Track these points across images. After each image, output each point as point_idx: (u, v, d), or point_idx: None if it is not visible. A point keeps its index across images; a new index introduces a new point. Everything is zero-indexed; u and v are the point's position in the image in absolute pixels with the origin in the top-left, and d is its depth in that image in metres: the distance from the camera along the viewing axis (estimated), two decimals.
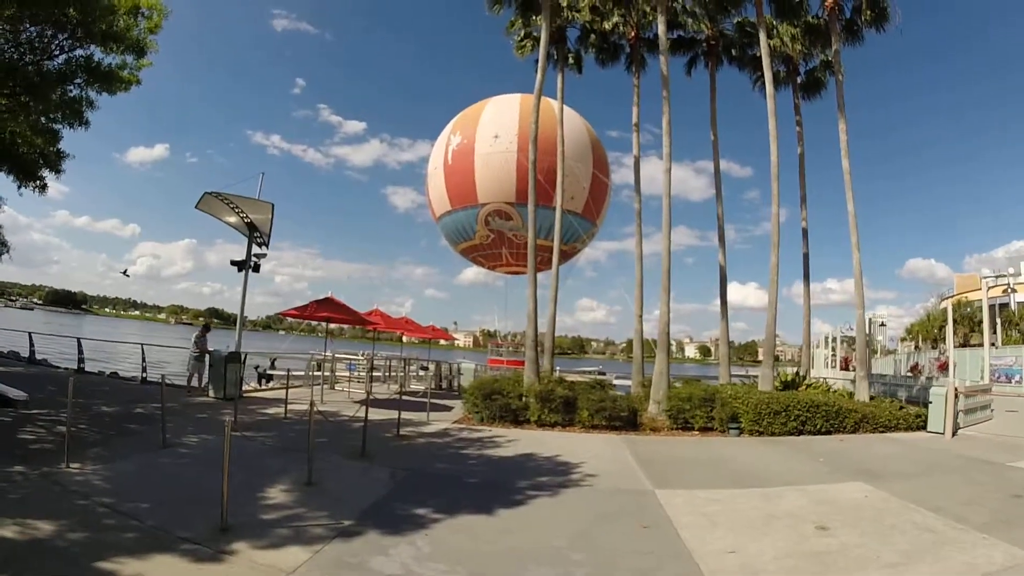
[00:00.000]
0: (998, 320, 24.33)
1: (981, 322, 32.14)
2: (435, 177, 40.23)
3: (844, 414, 14.39)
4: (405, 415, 12.00)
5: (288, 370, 18.02)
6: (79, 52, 13.69)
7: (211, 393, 15.15)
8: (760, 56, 21.21)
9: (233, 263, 16.72)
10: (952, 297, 43.32)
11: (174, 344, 20.75)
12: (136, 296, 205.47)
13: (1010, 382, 23.25)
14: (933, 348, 33.41)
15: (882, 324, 27.02)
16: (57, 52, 13.48)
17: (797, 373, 19.75)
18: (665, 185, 16.99)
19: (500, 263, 42.06)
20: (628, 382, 22.43)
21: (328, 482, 7.70)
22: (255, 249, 16.92)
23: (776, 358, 21.93)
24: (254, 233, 16.78)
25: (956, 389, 14.62)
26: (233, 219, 16.53)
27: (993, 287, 38.08)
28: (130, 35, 13.66)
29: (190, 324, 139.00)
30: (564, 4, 19.21)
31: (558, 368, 34.75)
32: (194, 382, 16.08)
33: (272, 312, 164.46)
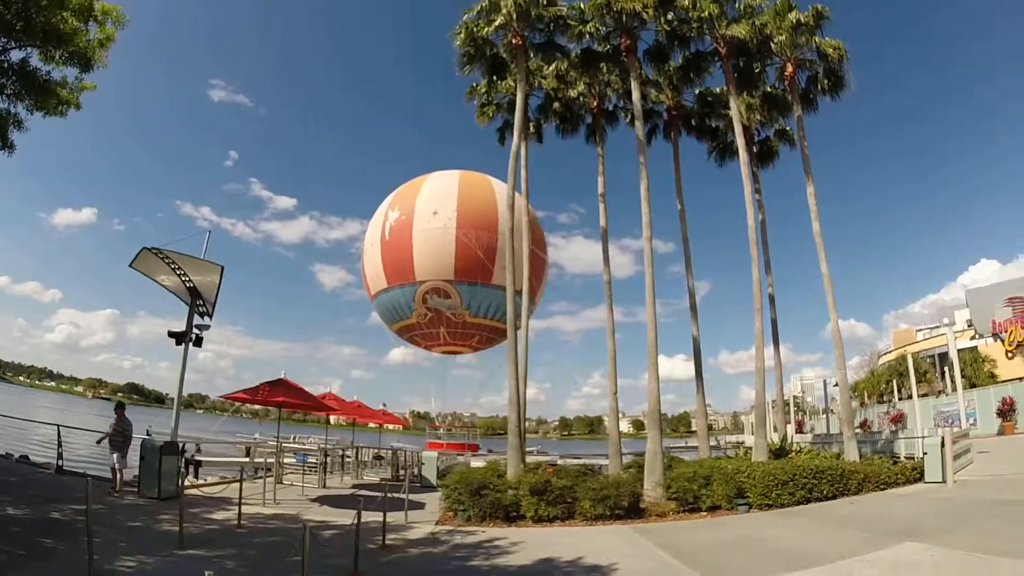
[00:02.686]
0: (952, 368, 24.73)
1: (926, 372, 33.70)
2: (371, 253, 38.87)
3: (847, 476, 13.90)
4: (378, 516, 9.91)
5: (243, 468, 15.23)
6: (13, 56, 11.60)
7: (143, 491, 12.48)
8: (717, 126, 21.79)
9: (171, 335, 14.30)
10: (891, 352, 45.20)
11: (93, 426, 17.49)
12: (52, 366, 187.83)
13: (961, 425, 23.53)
14: (880, 403, 34.00)
15: (836, 385, 27.16)
16: None
17: (783, 439, 19.12)
18: (647, 254, 16.19)
19: (437, 343, 40.53)
20: (602, 461, 21.04)
21: None
22: (197, 319, 14.61)
23: (709, 427, 21.33)
24: (197, 300, 14.53)
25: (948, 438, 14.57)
26: (173, 282, 14.29)
27: (931, 338, 39.89)
28: (77, 40, 11.66)
29: (108, 399, 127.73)
30: (534, 67, 18.74)
31: (532, 451, 32.93)
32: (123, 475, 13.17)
33: (195, 390, 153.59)
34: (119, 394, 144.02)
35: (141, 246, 13.54)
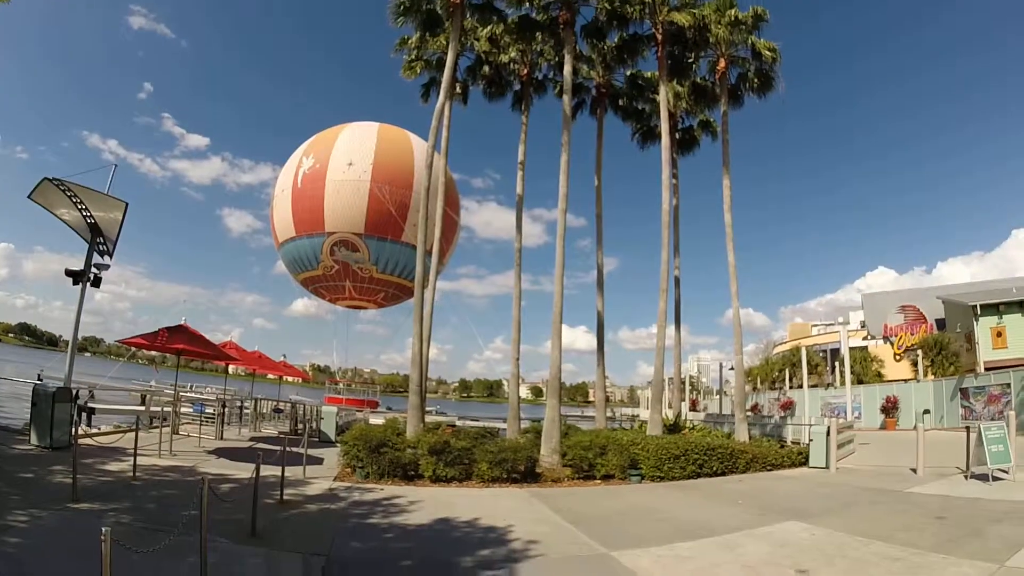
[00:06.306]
0: (842, 363, 27.02)
1: (817, 365, 36.74)
2: (281, 200, 37.61)
3: (737, 455, 14.84)
4: (276, 470, 9.88)
5: (138, 418, 14.42)
6: None
7: (33, 440, 11.79)
8: (644, 109, 22.34)
9: (68, 273, 13.31)
10: (786, 344, 48.71)
11: None
12: None
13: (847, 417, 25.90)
14: (772, 390, 36.53)
15: (731, 368, 28.97)
16: None
17: (678, 416, 20.28)
18: (561, 226, 16.65)
19: (342, 296, 39.96)
20: (500, 425, 21.67)
21: None
22: (96, 258, 13.67)
23: (607, 399, 22.51)
24: (97, 238, 13.57)
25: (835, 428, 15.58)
26: (73, 216, 13.27)
27: (825, 333, 43.31)
28: None
29: None
30: (468, 27, 18.43)
31: (431, 411, 33.16)
32: None
33: (89, 333, 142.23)
34: (10, 335, 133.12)
35: (43, 176, 12.54)
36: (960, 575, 6.29)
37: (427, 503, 10.23)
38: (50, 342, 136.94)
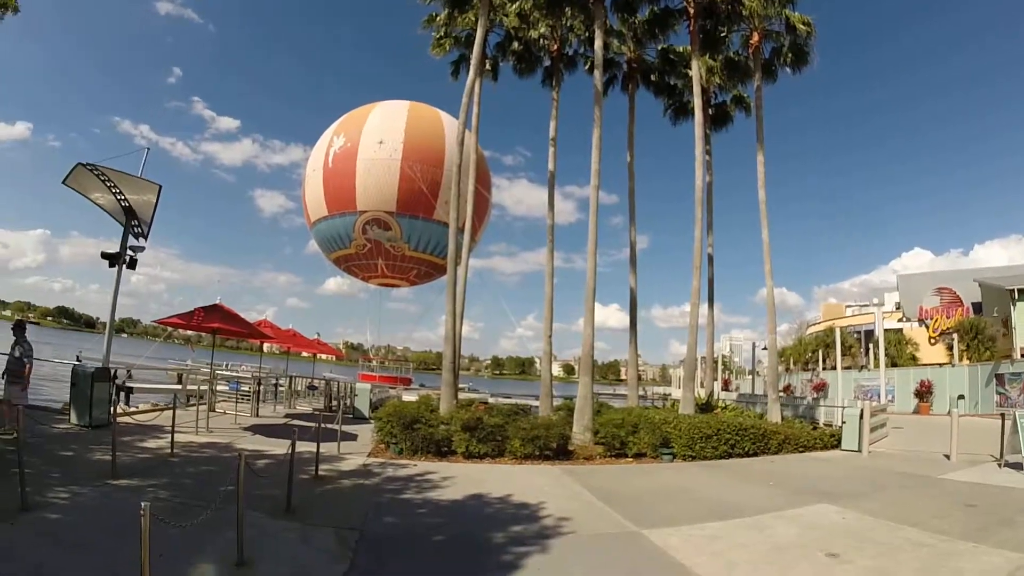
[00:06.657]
0: (876, 345, 26.41)
1: (851, 347, 36.02)
2: (313, 180, 37.98)
3: (769, 436, 14.58)
4: (311, 446, 10.01)
5: (175, 396, 14.79)
6: None
7: (73, 419, 12.13)
8: (676, 84, 21.83)
9: (104, 256, 13.66)
10: (819, 324, 47.83)
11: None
12: None
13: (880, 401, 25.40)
14: (804, 370, 35.90)
15: (764, 348, 28.48)
16: None
17: (710, 395, 20.09)
18: (593, 202, 16.32)
19: (374, 274, 40.33)
20: (532, 402, 21.74)
21: (264, 560, 5.74)
22: (132, 240, 13.96)
23: (639, 377, 22.28)
24: (132, 221, 13.85)
25: (868, 411, 15.24)
26: (107, 200, 13.55)
27: (860, 314, 42.42)
28: None
29: (37, 323, 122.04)
30: (496, 3, 18.19)
31: (463, 388, 33.47)
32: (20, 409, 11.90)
33: (126, 315, 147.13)
34: (49, 318, 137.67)
35: (76, 162, 12.81)
36: (989, 564, 6.11)
37: (460, 479, 10.27)
38: (87, 324, 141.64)
